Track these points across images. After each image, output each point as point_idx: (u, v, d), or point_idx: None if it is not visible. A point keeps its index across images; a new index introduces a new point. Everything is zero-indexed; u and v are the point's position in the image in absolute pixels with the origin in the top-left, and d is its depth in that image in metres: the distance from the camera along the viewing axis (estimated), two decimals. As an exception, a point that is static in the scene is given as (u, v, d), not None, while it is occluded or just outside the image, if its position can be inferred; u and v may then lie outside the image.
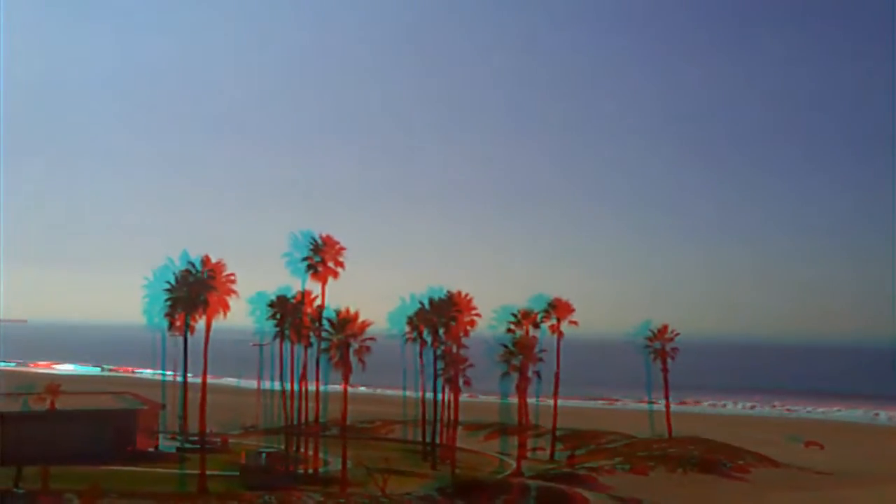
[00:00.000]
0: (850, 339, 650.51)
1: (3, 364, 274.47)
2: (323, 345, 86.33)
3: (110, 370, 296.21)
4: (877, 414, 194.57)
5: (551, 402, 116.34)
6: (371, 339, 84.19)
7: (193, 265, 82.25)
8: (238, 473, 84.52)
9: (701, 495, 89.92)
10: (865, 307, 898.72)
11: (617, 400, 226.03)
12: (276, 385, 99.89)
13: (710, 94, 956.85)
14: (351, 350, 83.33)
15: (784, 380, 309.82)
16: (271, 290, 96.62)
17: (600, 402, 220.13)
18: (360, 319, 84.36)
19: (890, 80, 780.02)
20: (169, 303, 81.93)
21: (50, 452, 79.21)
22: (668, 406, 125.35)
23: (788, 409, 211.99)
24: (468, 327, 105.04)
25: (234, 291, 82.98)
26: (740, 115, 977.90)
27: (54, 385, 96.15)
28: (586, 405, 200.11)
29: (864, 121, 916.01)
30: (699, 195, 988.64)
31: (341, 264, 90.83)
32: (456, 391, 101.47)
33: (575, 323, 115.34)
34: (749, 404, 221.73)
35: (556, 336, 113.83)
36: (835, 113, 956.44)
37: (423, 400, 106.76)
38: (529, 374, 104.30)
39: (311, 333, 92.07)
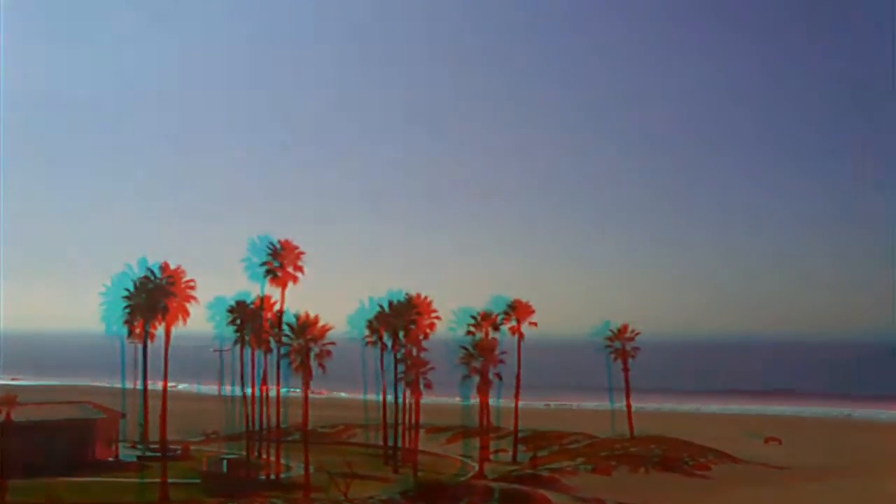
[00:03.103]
0: (814, 337, 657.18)
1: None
2: (283, 350, 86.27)
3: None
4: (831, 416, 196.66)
5: (512, 403, 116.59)
6: (331, 343, 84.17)
7: (152, 272, 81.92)
8: (200, 481, 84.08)
9: (663, 494, 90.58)
10: (834, 305, 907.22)
11: (578, 399, 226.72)
12: (237, 391, 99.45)
13: (680, 84, 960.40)
14: (311, 355, 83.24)
15: (744, 378, 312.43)
16: (230, 295, 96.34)
17: (562, 402, 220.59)
18: (320, 324, 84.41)
19: (887, 70, 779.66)
20: (128, 310, 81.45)
21: (6, 465, 78.14)
22: (629, 406, 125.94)
23: (748, 407, 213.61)
24: (428, 330, 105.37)
25: (194, 297, 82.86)
26: (710, 102, 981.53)
27: (10, 396, 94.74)
28: (548, 406, 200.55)
29: (858, 110, 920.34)
30: (662, 191, 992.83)
31: (300, 269, 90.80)
32: (417, 394, 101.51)
33: (535, 324, 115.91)
34: (710, 402, 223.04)
35: (516, 337, 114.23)
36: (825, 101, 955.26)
37: (385, 403, 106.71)
38: (490, 375, 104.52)
39: (272, 338, 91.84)
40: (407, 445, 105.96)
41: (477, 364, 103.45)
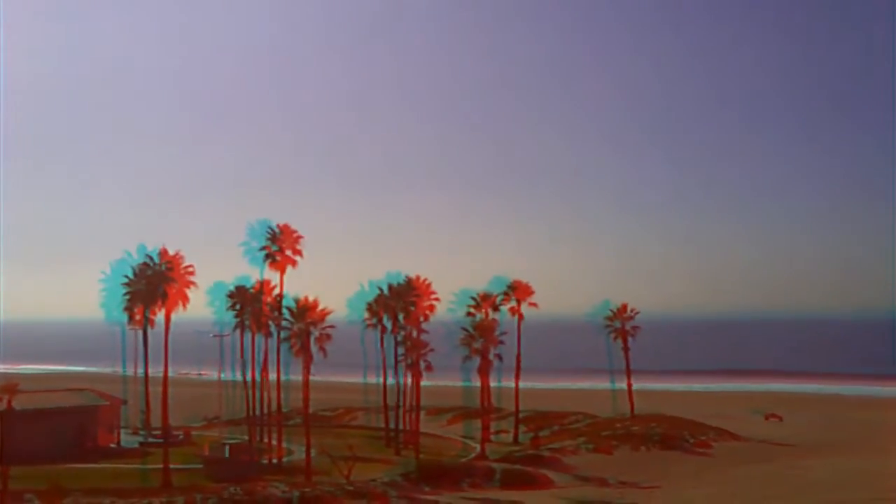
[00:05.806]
0: (815, 314, 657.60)
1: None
2: (283, 334, 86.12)
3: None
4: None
5: (513, 384, 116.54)
6: (331, 326, 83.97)
7: (151, 258, 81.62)
8: (202, 466, 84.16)
9: (665, 472, 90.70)
10: (834, 283, 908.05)
11: (579, 379, 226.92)
12: (238, 376, 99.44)
13: (680, 68, 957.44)
14: (311, 338, 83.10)
15: (743, 356, 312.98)
16: (230, 280, 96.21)
17: (562, 382, 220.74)
18: (320, 307, 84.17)
19: (888, 42, 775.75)
20: (127, 296, 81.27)
21: (8, 452, 78.24)
22: (629, 385, 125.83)
23: (748, 385, 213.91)
24: (428, 312, 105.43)
25: (193, 283, 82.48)
26: (708, 87, 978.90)
27: (12, 384, 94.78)
28: (548, 386, 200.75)
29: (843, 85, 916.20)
30: (661, 173, 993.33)
31: (299, 252, 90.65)
32: (417, 376, 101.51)
33: (535, 304, 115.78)
34: (710, 381, 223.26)
35: (516, 318, 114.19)
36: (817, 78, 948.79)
37: (385, 386, 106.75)
38: (490, 356, 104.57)
39: (271, 323, 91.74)
40: (408, 427, 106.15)
41: (477, 345, 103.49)
